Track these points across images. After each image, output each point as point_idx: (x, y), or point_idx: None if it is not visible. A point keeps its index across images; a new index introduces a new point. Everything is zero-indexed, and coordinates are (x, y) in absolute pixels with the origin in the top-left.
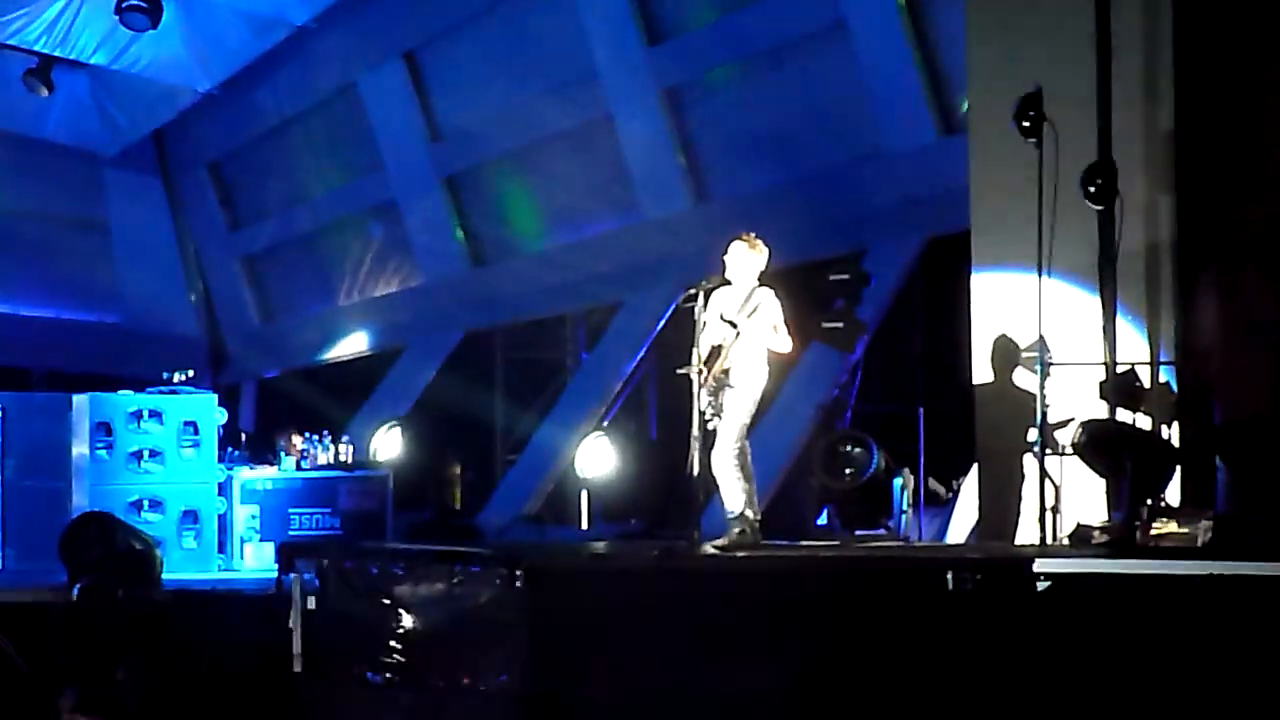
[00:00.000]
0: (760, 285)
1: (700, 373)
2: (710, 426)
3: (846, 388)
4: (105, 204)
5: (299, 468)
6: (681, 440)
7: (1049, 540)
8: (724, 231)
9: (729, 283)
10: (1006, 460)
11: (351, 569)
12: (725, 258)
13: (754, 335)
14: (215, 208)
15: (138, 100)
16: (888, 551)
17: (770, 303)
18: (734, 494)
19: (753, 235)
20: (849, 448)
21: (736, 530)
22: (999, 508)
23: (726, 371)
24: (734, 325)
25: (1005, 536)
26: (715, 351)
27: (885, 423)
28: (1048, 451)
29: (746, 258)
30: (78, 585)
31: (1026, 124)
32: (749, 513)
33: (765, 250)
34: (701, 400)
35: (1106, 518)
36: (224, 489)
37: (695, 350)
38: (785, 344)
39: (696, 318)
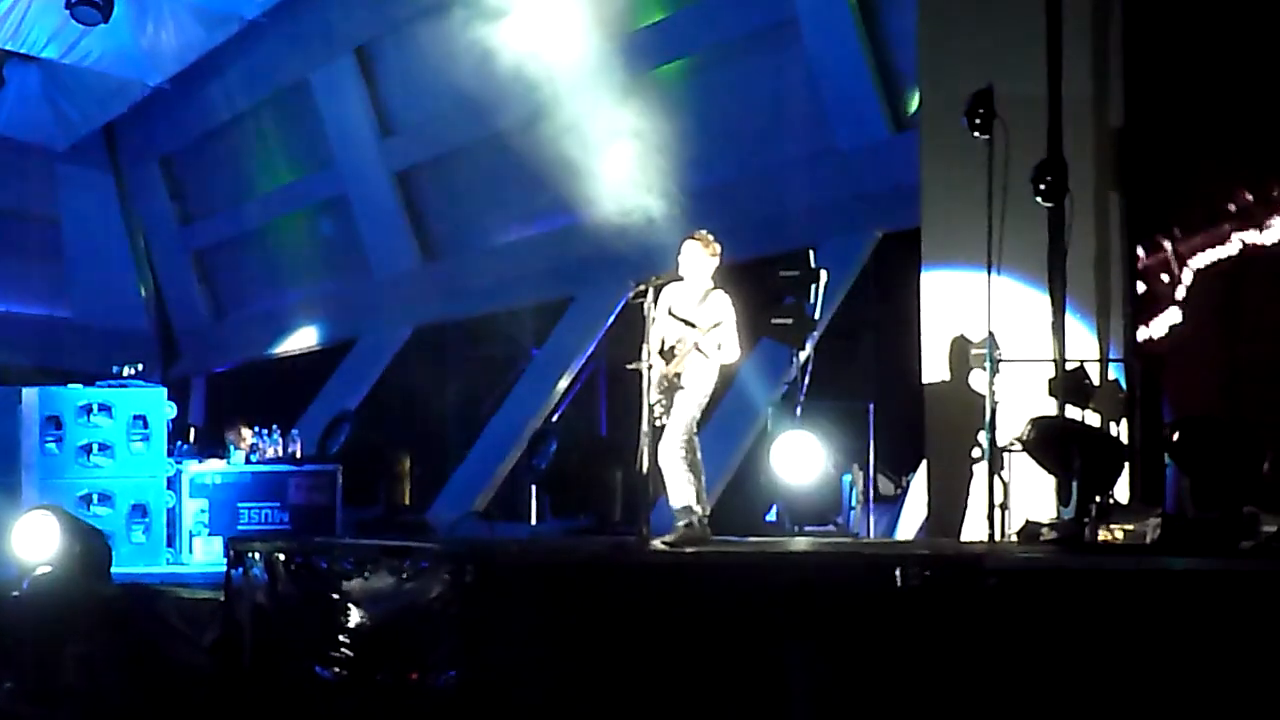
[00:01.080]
0: (715, 288)
1: (650, 368)
2: (660, 424)
3: (796, 384)
4: (56, 198)
5: (248, 462)
6: (632, 436)
7: (998, 537)
8: (674, 227)
9: (681, 279)
10: (956, 457)
11: (300, 564)
12: (679, 255)
13: (709, 344)
14: (166, 202)
15: (89, 94)
16: (837, 548)
17: (727, 312)
18: (681, 488)
19: (706, 234)
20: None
21: (683, 524)
22: (948, 504)
23: (679, 375)
24: (692, 325)
25: (954, 533)
26: (667, 348)
27: (835, 419)
28: (997, 448)
29: (700, 256)
30: (26, 579)
31: (977, 121)
32: (696, 507)
33: (719, 249)
34: (652, 396)
35: (1055, 515)
36: (173, 483)
37: (645, 346)
38: (733, 355)
39: (646, 313)
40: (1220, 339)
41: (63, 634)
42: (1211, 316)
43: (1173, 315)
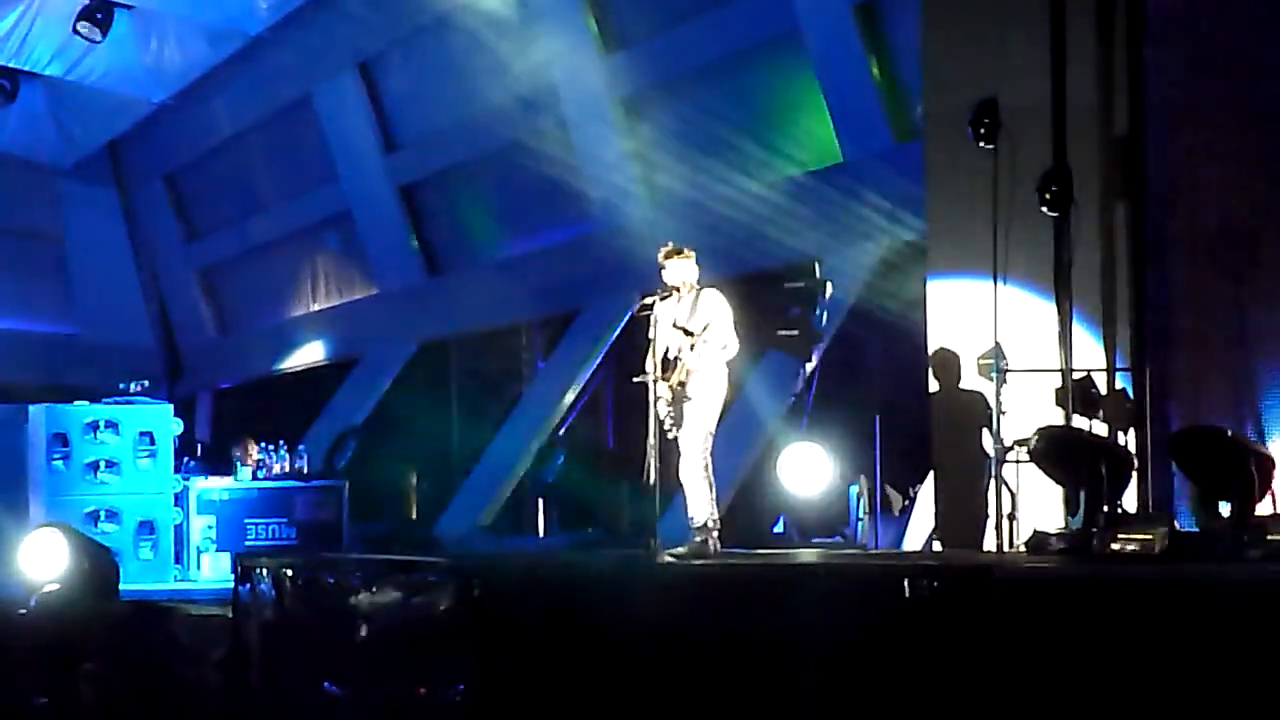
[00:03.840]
0: (704, 288)
1: (655, 381)
2: (670, 436)
3: (803, 395)
4: (61, 216)
5: (255, 478)
6: (639, 449)
7: (1006, 547)
8: (680, 239)
9: (676, 290)
10: (963, 468)
11: (308, 579)
12: (663, 274)
13: (709, 346)
14: (171, 219)
15: (93, 112)
16: (845, 559)
17: (720, 308)
18: (701, 503)
19: (672, 245)
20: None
21: (699, 540)
22: (956, 515)
23: (683, 383)
24: (689, 334)
25: (962, 544)
26: (670, 359)
27: (842, 430)
28: (1004, 459)
29: (681, 266)
30: (35, 597)
31: (982, 131)
32: (712, 523)
33: (692, 252)
34: (660, 409)
35: (1063, 525)
36: (180, 499)
37: (650, 359)
38: (733, 349)
39: (650, 326)
40: (1229, 345)
41: (74, 653)
42: (1221, 322)
43: (1181, 323)
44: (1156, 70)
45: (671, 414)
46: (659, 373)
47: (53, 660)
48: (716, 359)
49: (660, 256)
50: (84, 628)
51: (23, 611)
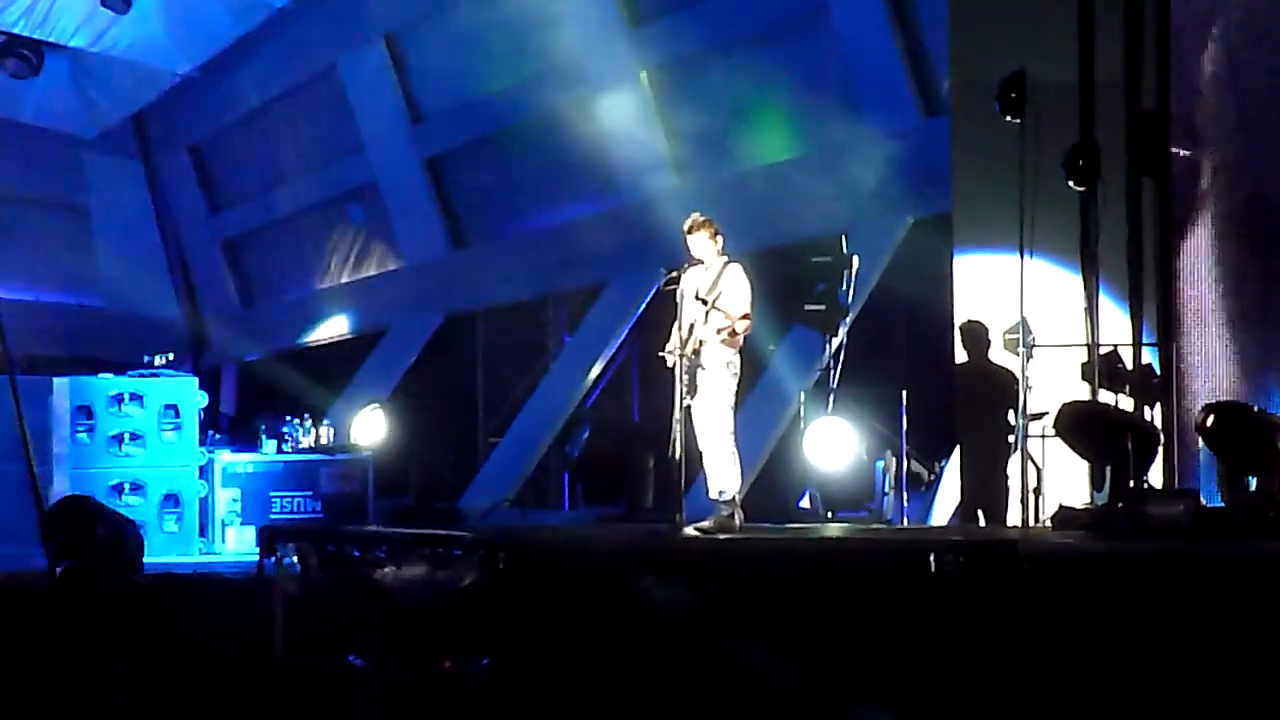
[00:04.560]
0: (729, 261)
1: (679, 355)
2: (686, 404)
3: (829, 370)
4: (85, 187)
5: (280, 451)
6: (665, 422)
7: (1032, 522)
8: (707, 212)
9: (702, 262)
10: (989, 442)
11: (333, 553)
12: (687, 246)
13: (721, 316)
14: (196, 190)
15: (118, 83)
16: (870, 534)
17: (737, 279)
18: (723, 475)
19: (696, 216)
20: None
21: (724, 514)
22: (982, 490)
23: (697, 351)
24: (705, 303)
25: (988, 519)
26: (690, 331)
27: (868, 405)
28: (1030, 434)
29: (703, 239)
30: (58, 570)
31: (1009, 105)
32: (736, 495)
33: (714, 223)
34: (680, 381)
35: (1089, 499)
36: (205, 472)
37: (676, 332)
38: (743, 322)
39: (677, 300)
40: (1257, 320)
41: (98, 626)
42: (1249, 297)
43: (1207, 298)
44: (1183, 43)
45: (687, 384)
46: (683, 347)
47: (84, 633)
48: (729, 326)
49: (684, 229)
50: (107, 601)
51: (47, 585)
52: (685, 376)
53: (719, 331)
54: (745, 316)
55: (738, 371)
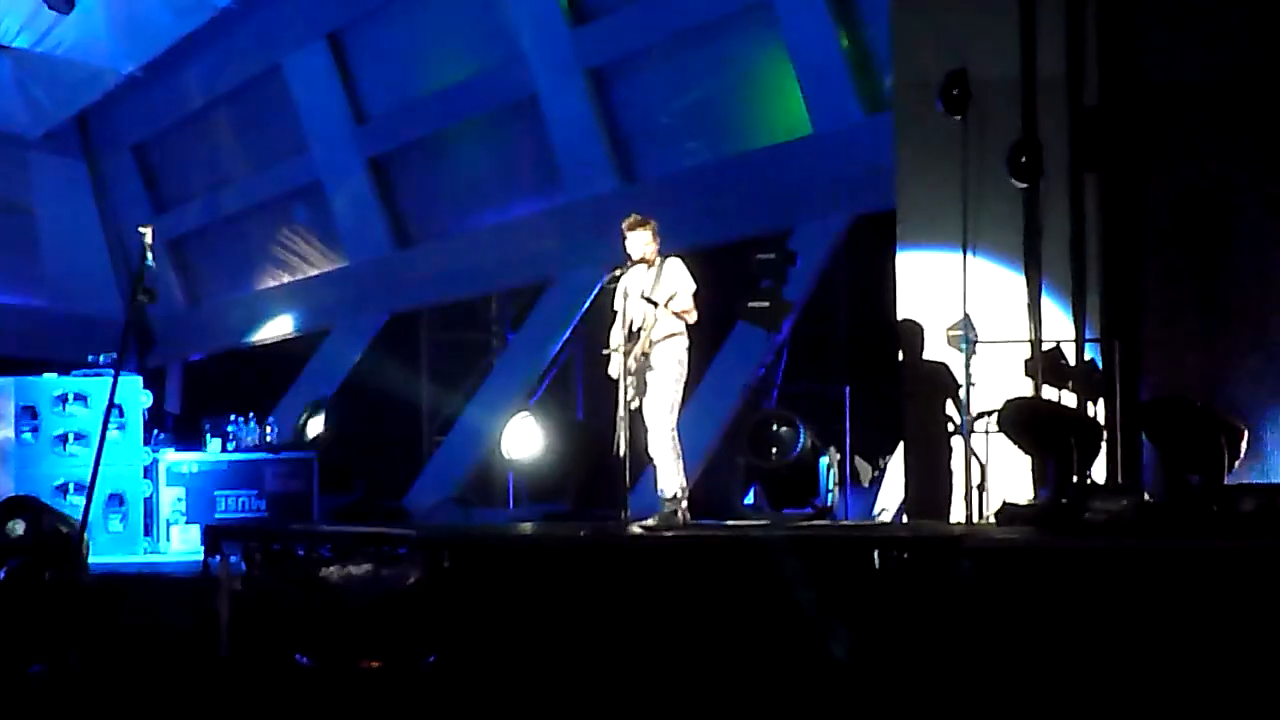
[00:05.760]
0: (667, 257)
1: (623, 353)
2: (634, 406)
3: (772, 367)
4: (29, 187)
5: (225, 450)
6: (608, 420)
7: (975, 518)
8: (649, 211)
9: (643, 261)
10: (932, 439)
11: (278, 551)
12: (626, 246)
13: (671, 315)
14: (140, 190)
15: (61, 83)
16: (815, 530)
17: (680, 275)
18: (669, 474)
19: (634, 216)
20: (776, 427)
21: (668, 511)
22: (925, 486)
23: (646, 353)
24: (653, 303)
25: (931, 515)
26: (635, 329)
27: (811, 402)
28: (973, 430)
29: (642, 238)
30: (3, 569)
31: (951, 102)
32: (681, 493)
33: (652, 221)
34: (626, 380)
35: (1033, 496)
36: (150, 472)
37: (617, 330)
38: (691, 317)
39: (617, 299)
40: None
41: (44, 625)
42: (1191, 293)
43: (1150, 293)
44: (1127, 40)
45: (635, 384)
46: (626, 344)
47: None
48: (679, 329)
49: (624, 228)
50: (52, 600)
51: None
52: (633, 377)
53: (669, 337)
54: (690, 310)
55: (686, 372)
